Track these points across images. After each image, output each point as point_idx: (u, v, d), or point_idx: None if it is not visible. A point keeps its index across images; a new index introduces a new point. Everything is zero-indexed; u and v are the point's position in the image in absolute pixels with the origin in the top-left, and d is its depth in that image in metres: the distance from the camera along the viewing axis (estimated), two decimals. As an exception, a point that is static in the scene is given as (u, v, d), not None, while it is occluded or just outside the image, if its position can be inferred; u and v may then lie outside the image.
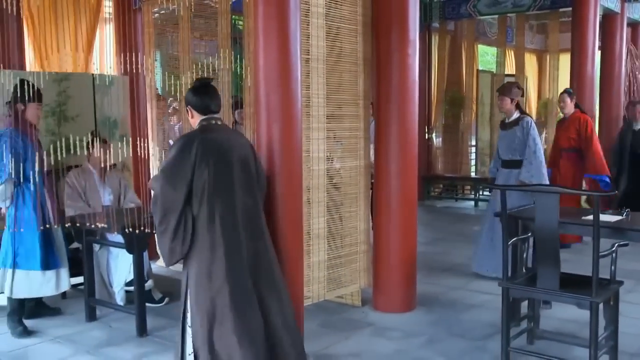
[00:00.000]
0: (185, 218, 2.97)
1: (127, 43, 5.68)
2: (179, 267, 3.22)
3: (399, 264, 4.46)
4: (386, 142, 4.43)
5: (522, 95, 5.56)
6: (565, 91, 6.53)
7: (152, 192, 3.15)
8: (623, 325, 3.57)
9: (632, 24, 9.20)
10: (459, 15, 9.36)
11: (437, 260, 5.96)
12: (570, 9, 7.79)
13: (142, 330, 4.07)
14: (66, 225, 4.43)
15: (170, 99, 6.51)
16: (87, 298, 4.41)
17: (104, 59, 6.74)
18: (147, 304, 4.22)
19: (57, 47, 6.11)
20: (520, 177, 5.17)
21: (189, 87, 3.42)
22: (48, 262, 4.15)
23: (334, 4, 4.16)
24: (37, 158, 4.08)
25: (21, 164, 4.01)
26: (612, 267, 3.38)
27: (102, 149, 4.66)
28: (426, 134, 9.94)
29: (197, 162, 2.95)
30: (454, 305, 4.69)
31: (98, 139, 4.74)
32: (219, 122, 3.20)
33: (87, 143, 4.71)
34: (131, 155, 5.32)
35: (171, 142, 5.58)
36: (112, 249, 4.54)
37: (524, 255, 3.81)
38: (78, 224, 4.33)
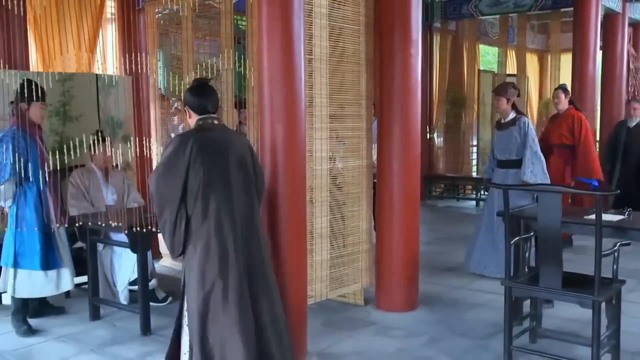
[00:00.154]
0: (180, 215, 2.99)
1: (130, 43, 5.70)
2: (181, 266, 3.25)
3: (401, 263, 4.48)
4: (389, 142, 4.45)
5: (518, 96, 5.57)
6: (560, 87, 6.47)
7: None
8: (625, 324, 3.59)
9: (634, 24, 9.21)
10: (461, 15, 9.38)
11: (439, 260, 5.97)
12: (571, 9, 7.81)
13: (146, 329, 4.09)
14: (70, 225, 4.46)
15: (173, 98, 6.53)
16: (91, 297, 4.43)
17: (107, 59, 6.75)
18: (150, 303, 4.24)
19: (61, 47, 6.12)
20: (523, 178, 5.18)
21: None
22: (48, 262, 4.16)
23: (336, 5, 4.18)
24: (39, 158, 4.09)
25: (23, 164, 4.03)
26: (614, 266, 3.39)
27: (105, 149, 4.68)
28: (428, 134, 9.95)
29: (192, 161, 2.97)
30: (456, 305, 4.70)
31: (101, 139, 4.76)
32: (216, 122, 3.21)
33: (91, 143, 4.73)
34: (135, 154, 5.34)
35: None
36: (116, 248, 4.56)
37: (527, 255, 3.82)
38: (80, 223, 4.35)
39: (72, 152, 4.38)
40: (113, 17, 6.71)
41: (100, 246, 4.57)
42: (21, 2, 3.70)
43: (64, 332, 4.18)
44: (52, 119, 4.98)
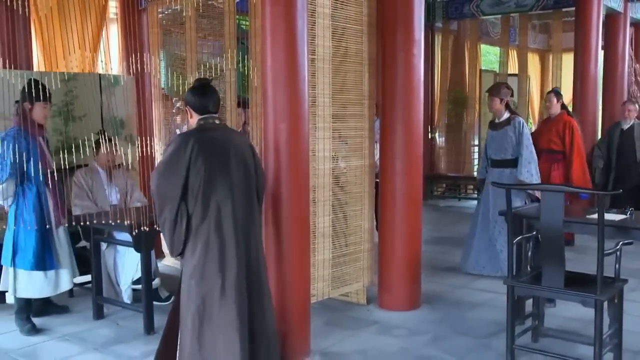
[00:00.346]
0: (180, 214, 3.00)
1: (133, 43, 5.71)
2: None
3: (404, 263, 4.49)
4: (392, 142, 4.46)
5: (512, 96, 5.59)
6: (553, 90, 6.43)
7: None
8: (627, 323, 3.60)
9: (635, 24, 9.22)
10: (462, 15, 9.38)
11: (441, 259, 5.99)
12: (573, 8, 7.81)
13: (149, 328, 4.11)
14: (73, 224, 4.48)
15: (175, 98, 6.55)
16: (94, 296, 4.44)
17: (110, 59, 6.77)
18: (154, 302, 4.25)
19: (63, 47, 6.14)
20: (519, 177, 5.21)
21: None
22: (45, 263, 4.17)
23: (339, 5, 4.19)
24: (40, 158, 4.10)
25: (24, 164, 4.04)
26: (617, 266, 3.40)
27: (108, 149, 4.70)
28: (429, 134, 9.96)
29: (193, 161, 2.98)
30: (458, 304, 4.72)
31: (105, 139, 4.77)
32: (217, 122, 3.22)
33: (94, 143, 4.75)
34: (138, 154, 5.35)
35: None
36: (119, 247, 4.58)
37: (529, 254, 3.83)
38: (82, 223, 4.36)
39: (75, 152, 4.39)
40: (116, 17, 6.73)
41: (103, 245, 4.59)
42: (26, 3, 3.71)
43: (67, 331, 4.20)
44: (55, 118, 5.00)
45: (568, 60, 8.53)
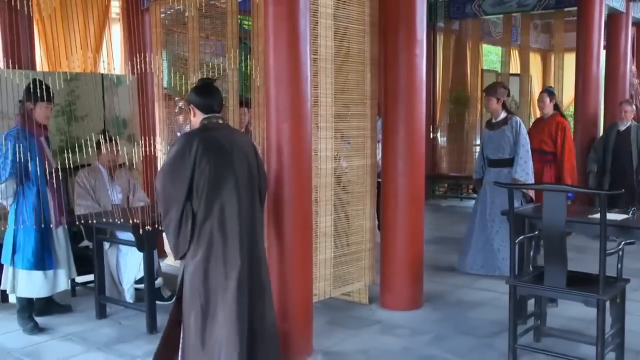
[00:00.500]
0: (186, 214, 3.01)
1: (135, 43, 5.72)
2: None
3: (406, 262, 4.50)
4: (394, 142, 4.47)
5: (508, 95, 5.60)
6: (546, 90, 6.38)
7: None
8: (629, 323, 3.60)
9: (637, 24, 9.20)
10: (464, 15, 9.38)
11: (443, 259, 5.99)
12: (575, 8, 7.80)
13: (152, 327, 4.12)
14: (76, 223, 4.49)
15: (177, 98, 6.56)
16: (97, 296, 4.45)
17: (113, 59, 6.78)
18: (156, 302, 4.26)
19: (66, 47, 6.15)
20: (514, 176, 5.23)
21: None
22: (44, 263, 4.18)
23: (342, 5, 4.20)
24: (41, 158, 4.11)
25: (24, 163, 4.05)
26: (619, 265, 3.41)
27: (111, 148, 4.71)
28: (431, 133, 9.96)
29: (198, 161, 2.99)
30: (460, 303, 4.72)
31: (107, 139, 4.79)
32: (220, 121, 3.24)
33: (97, 142, 4.76)
34: (140, 154, 5.36)
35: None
36: (122, 247, 4.59)
37: (531, 254, 3.84)
38: (84, 222, 4.37)
39: (78, 152, 4.40)
40: (118, 17, 6.74)
41: (106, 245, 4.60)
42: (30, 3, 3.72)
43: (70, 330, 4.21)
44: (58, 118, 5.02)
45: (570, 60, 8.52)
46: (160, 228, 3.98)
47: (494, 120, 5.50)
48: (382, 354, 3.77)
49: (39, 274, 4.18)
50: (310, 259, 3.70)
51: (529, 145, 5.32)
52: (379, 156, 4.77)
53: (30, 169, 4.10)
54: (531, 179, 5.22)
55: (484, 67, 10.95)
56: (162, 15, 5.75)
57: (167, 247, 5.66)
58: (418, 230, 4.59)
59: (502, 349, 3.67)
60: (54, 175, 4.16)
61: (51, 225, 4.21)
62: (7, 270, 4.22)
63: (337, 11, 4.16)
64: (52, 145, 4.61)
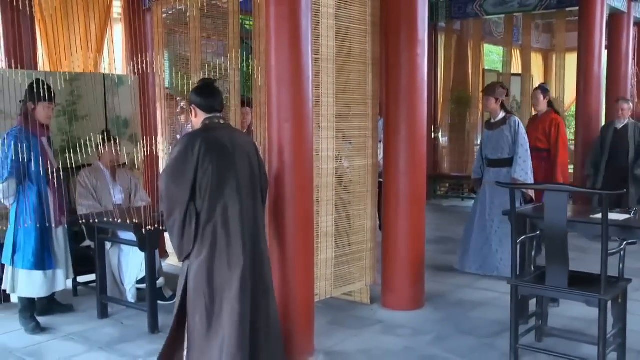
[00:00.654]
0: (190, 214, 3.02)
1: (137, 43, 5.73)
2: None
3: (407, 262, 4.50)
4: (395, 142, 4.47)
5: (507, 95, 5.58)
6: (539, 87, 6.28)
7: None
8: (631, 322, 3.60)
9: (639, 24, 9.19)
10: (466, 15, 9.38)
11: (444, 259, 5.99)
12: (576, 8, 7.80)
13: (153, 327, 4.12)
14: (72, 224, 4.49)
15: (179, 98, 6.56)
16: (99, 295, 4.45)
17: (114, 59, 6.79)
18: (158, 302, 4.27)
19: (67, 47, 6.16)
20: (514, 175, 5.22)
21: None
22: (44, 263, 4.18)
23: (343, 5, 4.20)
24: (42, 158, 4.11)
25: (25, 163, 4.06)
26: (621, 265, 3.41)
27: (112, 148, 4.72)
28: (432, 133, 9.96)
29: (201, 160, 3.00)
30: (461, 303, 4.72)
31: (109, 139, 4.79)
32: (222, 121, 3.25)
33: (98, 142, 4.77)
34: (142, 153, 5.37)
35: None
36: (123, 247, 4.59)
37: (532, 254, 3.84)
38: (86, 222, 4.38)
39: (79, 152, 4.40)
40: (120, 17, 6.75)
41: (108, 245, 4.61)
42: (32, 3, 3.73)
43: (72, 330, 4.21)
44: (59, 118, 5.02)
45: (571, 60, 8.51)
46: (161, 228, 3.99)
47: (492, 120, 5.51)
48: (384, 354, 3.77)
49: (38, 273, 4.18)
50: (312, 258, 3.70)
51: (528, 145, 5.32)
52: (381, 156, 4.77)
53: (31, 168, 4.11)
54: (531, 179, 5.21)
55: (486, 67, 10.95)
56: (164, 15, 5.76)
57: (168, 247, 5.67)
58: (419, 230, 4.59)
59: (503, 349, 3.67)
60: (54, 175, 4.17)
61: (51, 225, 4.21)
62: (7, 270, 4.22)
63: (338, 11, 4.16)
64: (54, 145, 4.61)
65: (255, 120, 4.61)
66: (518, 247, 3.53)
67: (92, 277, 4.77)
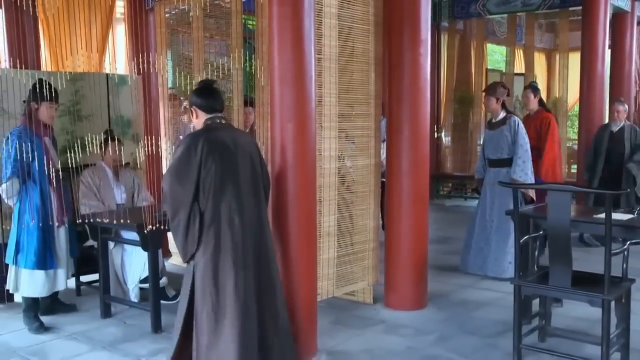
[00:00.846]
0: (194, 214, 3.03)
1: (139, 43, 5.74)
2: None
3: (410, 262, 4.49)
4: (398, 141, 4.46)
5: (508, 95, 5.56)
6: (530, 86, 6.20)
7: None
8: (634, 323, 3.59)
9: (643, 23, 9.16)
10: (469, 15, 9.36)
11: (447, 259, 5.98)
12: (580, 7, 7.77)
13: (156, 326, 4.13)
14: (83, 222, 4.50)
15: (182, 98, 6.57)
16: (102, 295, 4.46)
17: (117, 58, 6.80)
18: (161, 301, 4.27)
19: (70, 47, 6.17)
20: (513, 176, 5.20)
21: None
22: (46, 263, 4.19)
23: (346, 4, 4.19)
24: (45, 158, 4.12)
25: (27, 163, 4.06)
26: (624, 265, 3.40)
27: (115, 148, 4.73)
28: (435, 133, 9.95)
29: (204, 160, 3.02)
30: (464, 303, 4.71)
31: (112, 138, 4.80)
32: (223, 121, 3.28)
33: (101, 142, 4.78)
34: (144, 153, 5.37)
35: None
36: (126, 246, 4.60)
37: (536, 253, 3.83)
38: (90, 221, 4.38)
39: (82, 151, 4.41)
40: (123, 17, 6.76)
41: (111, 244, 4.61)
42: (35, 2, 3.74)
43: (75, 329, 4.22)
44: (62, 118, 5.02)
45: (575, 59, 8.50)
46: (163, 227, 3.99)
47: (494, 120, 5.50)
48: (386, 354, 3.77)
49: (40, 273, 4.19)
50: (314, 258, 3.70)
51: (528, 145, 5.28)
52: (383, 156, 4.77)
53: (34, 168, 4.11)
54: (530, 179, 5.18)
55: (489, 67, 10.94)
56: (167, 15, 5.77)
57: (171, 247, 5.68)
58: (422, 230, 4.58)
59: (506, 349, 3.66)
60: (57, 174, 4.17)
61: (53, 224, 4.22)
62: (11, 270, 4.24)
63: (341, 11, 4.16)
64: (57, 145, 4.61)
65: (258, 120, 4.62)
66: (520, 247, 3.53)
67: (95, 276, 4.78)
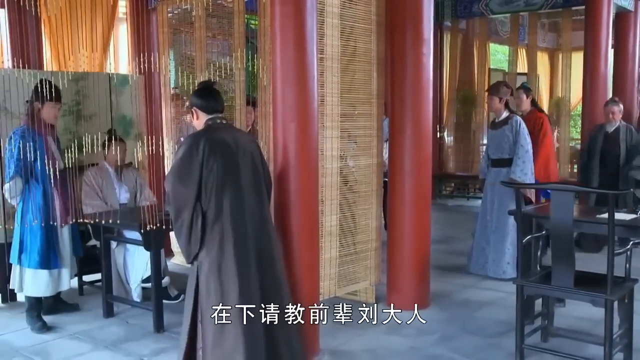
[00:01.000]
0: (196, 214, 3.04)
1: (142, 43, 5.74)
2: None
3: (412, 262, 4.49)
4: (401, 141, 4.46)
5: (511, 95, 5.55)
6: (522, 86, 6.13)
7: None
8: (637, 323, 3.60)
9: (646, 23, 9.13)
10: (471, 14, 9.36)
11: (449, 259, 5.97)
12: (583, 7, 7.75)
13: (159, 326, 4.13)
14: (85, 222, 4.50)
15: (185, 97, 6.57)
16: (104, 294, 4.47)
17: (119, 58, 6.81)
18: (163, 301, 4.27)
19: (73, 46, 6.18)
20: (512, 176, 5.19)
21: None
22: (49, 263, 4.20)
23: (348, 4, 4.19)
24: (47, 157, 4.12)
25: (30, 163, 4.07)
26: (627, 265, 3.39)
27: (118, 148, 4.73)
28: (438, 133, 9.94)
29: (205, 160, 3.04)
30: (467, 303, 4.71)
31: (114, 138, 4.80)
32: (224, 122, 3.29)
33: (104, 142, 4.78)
34: (147, 153, 5.38)
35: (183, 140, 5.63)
36: (129, 246, 4.60)
37: (538, 253, 3.82)
38: (91, 221, 4.39)
39: (85, 151, 4.42)
40: (125, 16, 6.76)
41: (113, 244, 4.62)
42: (37, 2, 3.75)
43: (78, 329, 4.23)
44: (65, 117, 5.03)
45: (578, 59, 8.47)
46: (164, 227, 3.99)
47: (496, 120, 5.48)
48: (389, 354, 3.77)
49: (44, 273, 4.20)
50: (316, 258, 3.70)
51: (530, 146, 5.25)
52: (386, 155, 4.77)
53: (37, 168, 4.12)
54: (529, 180, 5.15)
55: (491, 67, 10.92)
56: (169, 14, 5.77)
57: (174, 246, 5.68)
58: (425, 230, 4.58)
59: (509, 349, 3.66)
60: (60, 174, 4.17)
61: (56, 224, 4.22)
62: (15, 269, 4.24)
63: (343, 10, 4.16)
64: (60, 145, 4.62)
65: (260, 119, 4.62)
66: (523, 247, 3.52)
67: (97, 276, 4.79)
